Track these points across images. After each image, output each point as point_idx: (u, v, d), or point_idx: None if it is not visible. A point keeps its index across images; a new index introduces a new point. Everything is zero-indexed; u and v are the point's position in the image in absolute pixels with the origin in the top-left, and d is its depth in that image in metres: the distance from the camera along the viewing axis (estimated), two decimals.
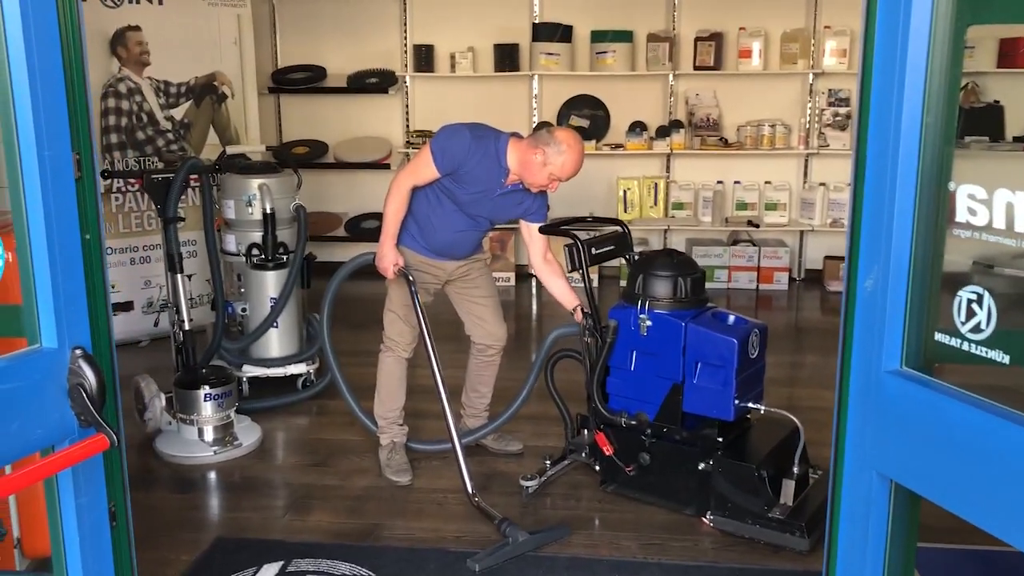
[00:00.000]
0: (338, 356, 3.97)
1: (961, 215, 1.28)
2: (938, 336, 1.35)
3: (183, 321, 4.04)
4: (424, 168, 3.35)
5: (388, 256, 3.43)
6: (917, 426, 1.36)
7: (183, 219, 4.17)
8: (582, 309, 3.46)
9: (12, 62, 1.43)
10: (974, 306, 1.27)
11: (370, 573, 2.91)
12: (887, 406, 1.41)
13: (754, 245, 6.84)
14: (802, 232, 6.98)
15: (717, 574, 2.93)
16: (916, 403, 1.36)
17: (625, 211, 6.95)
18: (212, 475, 3.74)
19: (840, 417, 1.50)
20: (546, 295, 6.84)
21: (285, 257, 4.56)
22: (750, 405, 3.21)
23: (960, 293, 1.30)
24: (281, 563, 2.98)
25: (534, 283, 7.18)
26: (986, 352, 1.26)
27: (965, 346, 1.30)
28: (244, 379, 4.49)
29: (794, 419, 3.16)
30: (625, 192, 6.98)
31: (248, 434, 3.99)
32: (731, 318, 3.27)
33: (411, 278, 3.43)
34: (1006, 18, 1.25)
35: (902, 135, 1.34)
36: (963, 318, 1.29)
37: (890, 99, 1.34)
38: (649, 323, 3.26)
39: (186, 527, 3.28)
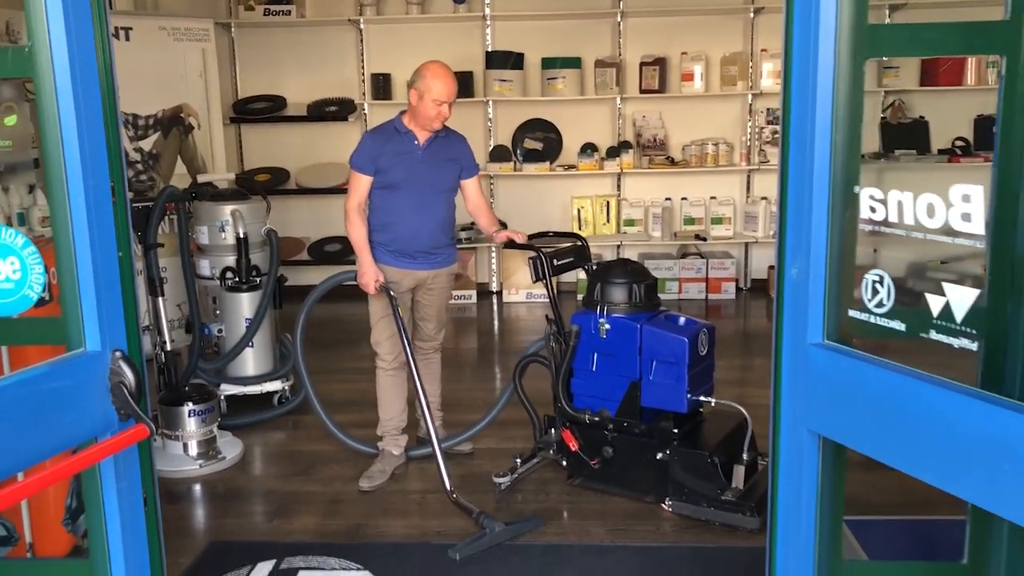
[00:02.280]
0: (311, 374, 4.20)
1: (865, 212, 1.58)
2: (851, 312, 1.65)
3: (165, 342, 4.22)
4: (356, 183, 3.74)
5: (369, 272, 3.67)
6: (838, 388, 1.65)
7: (162, 245, 4.36)
8: (551, 317, 3.73)
9: (61, 104, 1.67)
10: (877, 286, 1.57)
11: (359, 566, 3.13)
12: (813, 373, 1.70)
13: (702, 257, 7.19)
14: (747, 244, 7.36)
15: (678, 553, 3.20)
16: (836, 369, 1.65)
17: (580, 228, 7.26)
18: (198, 487, 3.92)
19: (775, 385, 1.79)
20: (507, 312, 7.19)
21: (258, 279, 4.76)
22: (702, 398, 3.50)
23: (867, 276, 1.59)
24: (274, 561, 3.18)
25: (495, 300, 7.46)
26: (887, 323, 1.56)
27: (872, 319, 1.59)
28: (222, 397, 4.66)
29: (742, 410, 3.47)
30: (579, 210, 7.30)
31: (230, 448, 4.18)
32: (682, 319, 3.57)
33: (392, 293, 3.68)
34: (891, 53, 1.55)
35: (815, 150, 1.63)
36: (869, 296, 1.59)
37: (805, 122, 1.64)
38: (608, 326, 3.54)
39: (179, 534, 3.46)
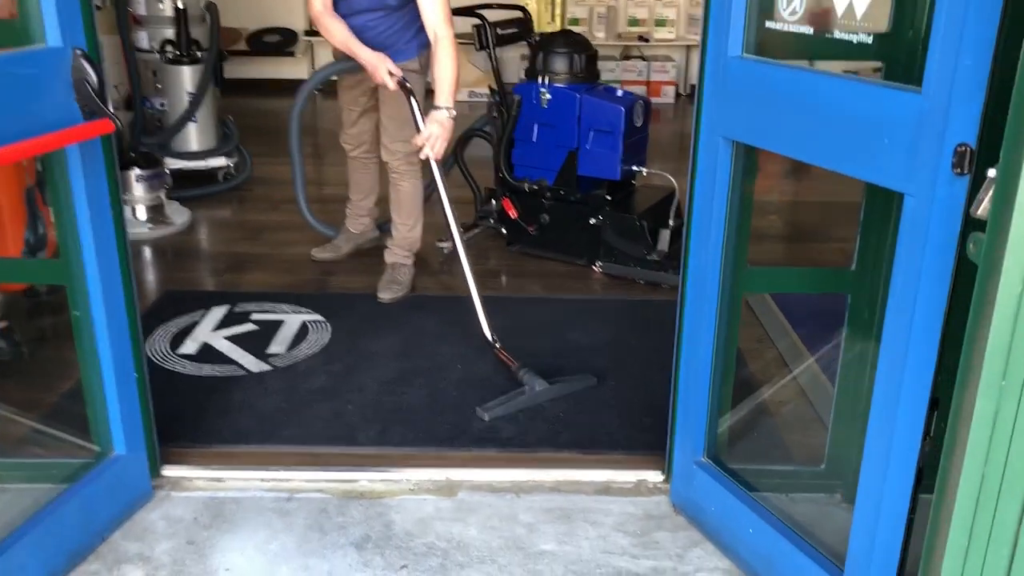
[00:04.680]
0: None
1: None
2: (768, 24, 1.80)
3: None
4: None
5: (375, 62, 3.18)
6: (751, 95, 1.83)
7: (100, 7, 4.27)
8: (493, 87, 3.81)
9: None
10: None
11: (309, 310, 3.35)
12: (730, 84, 1.87)
13: (644, 60, 7.25)
14: (688, 47, 7.41)
15: (605, 304, 3.49)
16: (750, 77, 1.82)
17: None
18: (148, 249, 4.05)
19: (698, 100, 1.96)
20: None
21: (199, 54, 4.72)
22: (634, 168, 3.70)
23: None
24: (228, 306, 3.37)
25: None
26: (799, 29, 1.72)
27: (787, 28, 1.75)
28: (167, 171, 4.71)
29: (671, 179, 3.68)
30: (524, 8, 7.21)
31: (178, 215, 4.29)
32: (619, 91, 3.71)
33: (409, 85, 3.21)
34: None
35: None
36: (784, 6, 1.74)
37: None
38: (549, 96, 3.67)
39: None
